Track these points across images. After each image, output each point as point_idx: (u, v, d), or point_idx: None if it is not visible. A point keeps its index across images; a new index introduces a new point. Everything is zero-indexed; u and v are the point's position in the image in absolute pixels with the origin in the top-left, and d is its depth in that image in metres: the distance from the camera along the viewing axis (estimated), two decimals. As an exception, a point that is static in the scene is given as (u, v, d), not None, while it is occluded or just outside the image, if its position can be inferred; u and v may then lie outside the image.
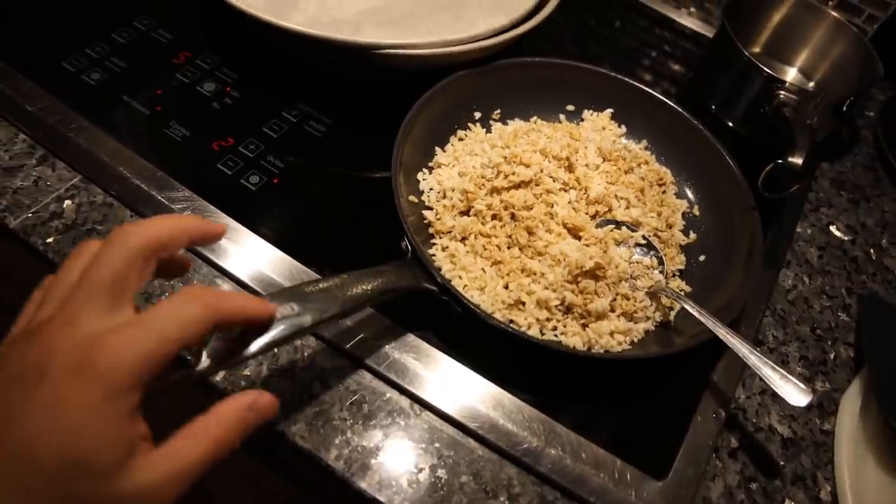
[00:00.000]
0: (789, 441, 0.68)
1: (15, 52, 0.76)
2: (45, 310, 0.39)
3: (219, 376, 0.59)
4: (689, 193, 0.82)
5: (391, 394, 0.61)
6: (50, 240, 0.64)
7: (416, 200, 0.72)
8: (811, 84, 1.04)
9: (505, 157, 0.73)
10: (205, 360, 0.46)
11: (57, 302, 0.39)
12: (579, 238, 0.70)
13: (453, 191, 0.72)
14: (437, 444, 0.59)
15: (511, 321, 0.65)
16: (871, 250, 0.88)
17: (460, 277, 0.66)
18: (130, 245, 0.39)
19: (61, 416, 0.34)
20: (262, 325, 0.47)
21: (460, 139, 0.79)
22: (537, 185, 0.72)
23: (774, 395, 0.69)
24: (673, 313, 0.69)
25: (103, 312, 0.37)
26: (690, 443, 0.63)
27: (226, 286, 0.64)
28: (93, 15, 0.84)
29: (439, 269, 0.65)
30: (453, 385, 0.62)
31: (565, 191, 0.74)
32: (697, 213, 0.80)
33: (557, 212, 0.71)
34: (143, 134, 0.74)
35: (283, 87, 0.83)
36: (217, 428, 0.40)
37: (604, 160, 0.79)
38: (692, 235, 0.77)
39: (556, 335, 0.65)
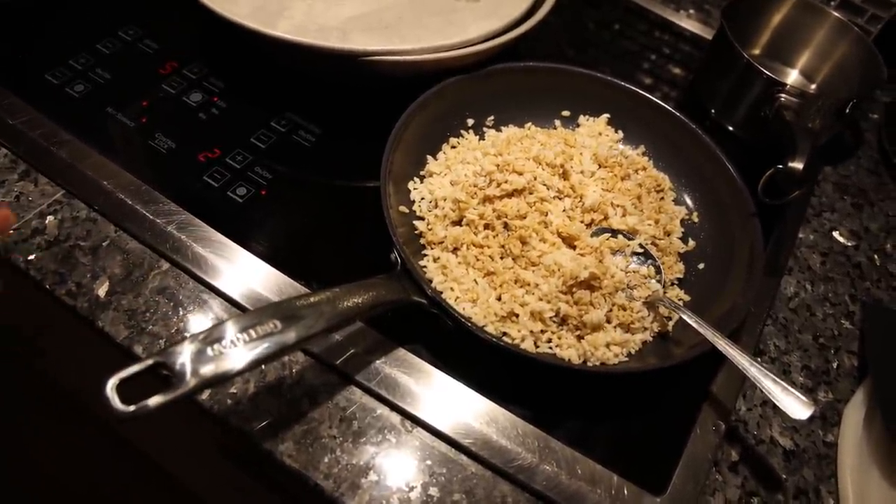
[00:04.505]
0: (791, 454, 0.66)
1: (-3, 63, 0.76)
2: None
3: (205, 395, 0.57)
4: (688, 200, 0.80)
5: (382, 410, 0.60)
6: (32, 257, 0.63)
7: (407, 211, 0.71)
8: (813, 86, 1.02)
9: (497, 165, 0.72)
10: (189, 380, 0.45)
11: None
12: (574, 247, 0.69)
13: (445, 200, 0.71)
14: (428, 462, 0.58)
15: (504, 334, 0.63)
16: (875, 256, 0.86)
17: (452, 289, 0.65)
18: None
19: None
20: None
21: (452, 147, 0.78)
22: (531, 193, 0.71)
23: (776, 407, 0.67)
24: (671, 324, 0.68)
25: None
26: (689, 457, 0.61)
27: (213, 302, 0.63)
28: (77, 25, 0.83)
29: (430, 282, 0.64)
30: (445, 400, 0.60)
31: (560, 199, 0.73)
32: (696, 219, 0.78)
33: (552, 220, 0.69)
34: (128, 146, 0.73)
35: (271, 96, 0.82)
36: None
37: (600, 167, 0.78)
38: (691, 243, 0.75)
39: (550, 348, 0.63)
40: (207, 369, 0.46)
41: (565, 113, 0.85)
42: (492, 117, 0.82)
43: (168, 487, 1.20)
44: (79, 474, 1.29)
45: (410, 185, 0.73)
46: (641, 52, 1.09)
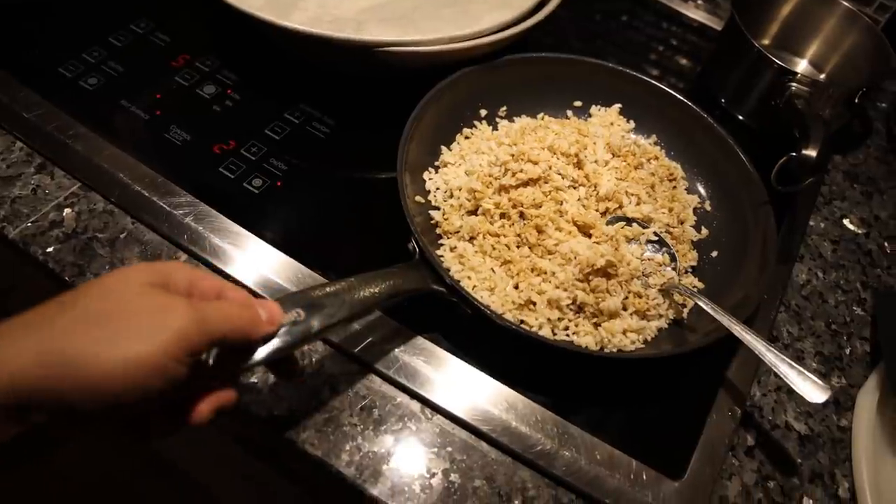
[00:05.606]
0: (806, 438, 0.66)
1: (10, 58, 0.76)
2: None
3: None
4: (701, 188, 0.80)
5: (402, 398, 0.60)
6: (50, 249, 0.63)
7: (423, 201, 0.71)
8: (823, 76, 1.02)
9: (512, 155, 0.72)
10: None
11: None
12: (590, 236, 0.69)
13: (460, 190, 0.71)
14: (449, 449, 0.58)
15: (522, 322, 0.64)
16: (885, 243, 0.87)
17: (469, 278, 0.65)
18: None
19: None
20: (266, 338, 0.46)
21: (466, 137, 0.78)
22: (546, 182, 0.71)
23: (790, 392, 0.68)
24: (686, 310, 0.68)
25: None
26: (706, 441, 0.62)
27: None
28: (89, 19, 0.83)
29: (448, 270, 0.64)
30: (464, 387, 0.61)
31: (574, 188, 0.73)
32: (709, 208, 0.78)
33: (567, 209, 0.70)
34: (143, 139, 0.73)
35: (285, 87, 0.82)
36: None
37: (613, 156, 0.78)
38: (704, 231, 0.76)
39: (567, 335, 0.64)
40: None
41: (577, 103, 0.85)
42: (504, 108, 0.82)
43: (172, 476, 1.20)
44: (86, 465, 1.29)
45: (426, 175, 0.73)
46: (648, 42, 1.09)
